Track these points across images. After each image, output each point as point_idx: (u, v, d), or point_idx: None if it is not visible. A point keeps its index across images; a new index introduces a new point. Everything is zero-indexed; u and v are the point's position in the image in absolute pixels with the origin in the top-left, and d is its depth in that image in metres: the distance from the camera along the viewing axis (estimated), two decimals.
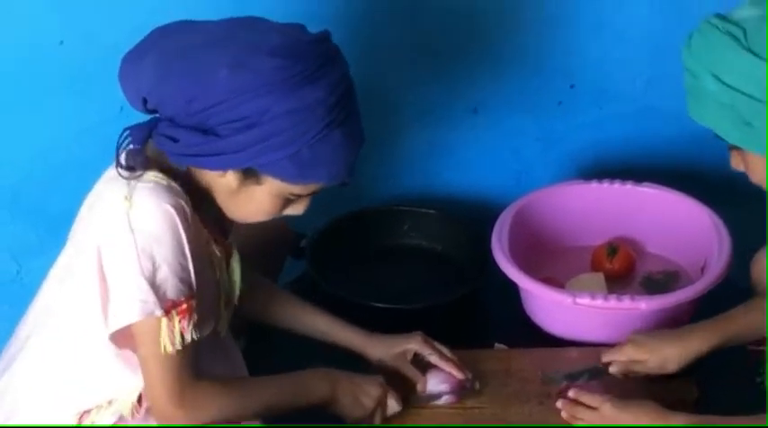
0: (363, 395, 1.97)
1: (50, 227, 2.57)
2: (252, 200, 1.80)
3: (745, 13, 1.68)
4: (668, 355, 2.02)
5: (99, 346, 1.79)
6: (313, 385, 1.93)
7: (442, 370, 2.08)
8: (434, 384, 2.06)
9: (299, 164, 1.72)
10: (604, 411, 1.92)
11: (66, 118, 2.46)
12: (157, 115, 1.78)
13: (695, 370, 2.04)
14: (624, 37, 2.51)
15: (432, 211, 2.57)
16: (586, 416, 1.95)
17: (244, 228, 1.98)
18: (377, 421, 1.99)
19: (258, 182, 1.77)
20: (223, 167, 1.74)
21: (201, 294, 1.79)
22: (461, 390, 2.07)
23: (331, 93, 1.70)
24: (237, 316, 2.01)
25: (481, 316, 2.39)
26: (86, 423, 1.83)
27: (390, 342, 2.10)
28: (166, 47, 1.73)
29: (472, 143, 2.64)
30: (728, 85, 1.65)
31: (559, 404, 2.00)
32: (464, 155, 2.66)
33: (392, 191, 2.68)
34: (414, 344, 2.10)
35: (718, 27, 1.67)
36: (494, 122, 2.62)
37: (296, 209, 1.85)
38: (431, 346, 2.10)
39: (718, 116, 1.70)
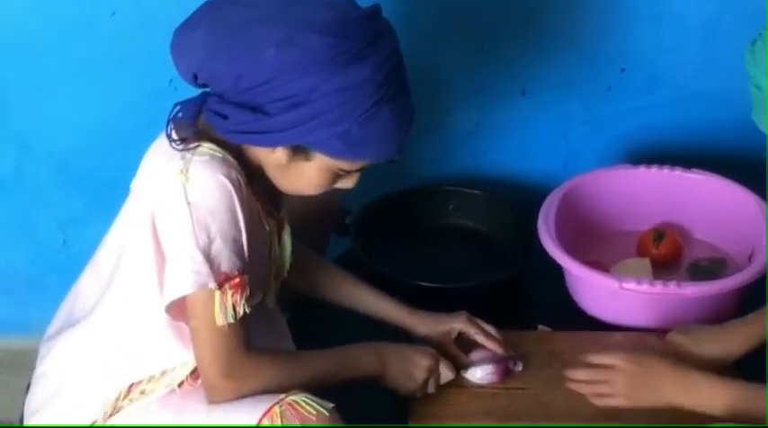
0: (414, 367, 1.97)
1: (97, 198, 2.59)
2: (302, 175, 1.81)
3: None
4: (710, 357, 2.01)
5: (154, 318, 1.81)
6: (361, 359, 1.93)
7: (485, 351, 2.08)
8: (478, 364, 2.06)
9: (347, 142, 1.72)
10: (620, 365, 1.91)
11: (116, 89, 2.47)
12: (207, 90, 1.78)
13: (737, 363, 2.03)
14: (679, 23, 2.49)
15: (478, 192, 2.57)
16: (603, 377, 1.93)
17: (292, 203, 1.98)
18: (431, 391, 2.00)
19: (307, 158, 1.78)
20: (272, 144, 1.75)
21: (253, 266, 1.80)
22: (505, 371, 2.07)
23: (379, 70, 1.70)
24: (285, 288, 2.02)
25: (525, 298, 2.39)
26: (135, 392, 1.85)
27: (436, 319, 2.10)
28: (217, 21, 1.74)
29: (520, 125, 2.64)
30: None
31: (572, 385, 1.98)
32: (512, 136, 2.65)
33: (438, 170, 2.67)
34: (459, 323, 2.10)
35: None
36: (542, 105, 2.61)
37: (346, 183, 1.85)
38: (476, 325, 2.10)
39: None
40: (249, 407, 1.77)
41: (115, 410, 1.85)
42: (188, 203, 1.72)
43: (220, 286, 1.73)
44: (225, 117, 1.73)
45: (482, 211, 2.55)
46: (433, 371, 1.99)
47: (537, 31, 2.51)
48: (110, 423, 1.85)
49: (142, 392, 1.85)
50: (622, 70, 2.56)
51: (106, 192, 2.56)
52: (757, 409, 1.78)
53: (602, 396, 1.94)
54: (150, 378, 1.85)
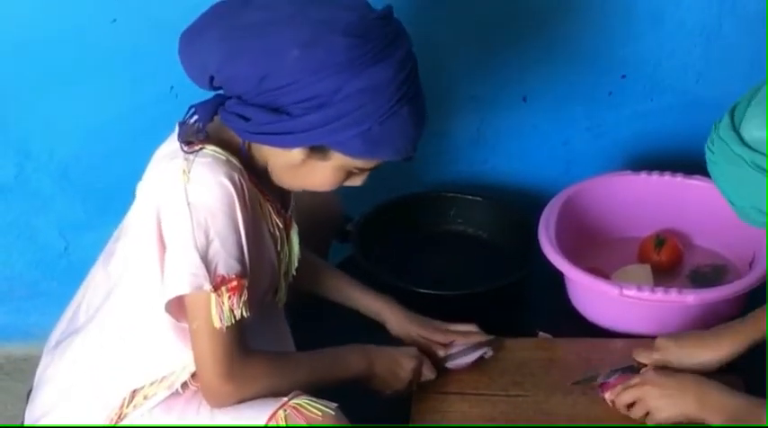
0: (399, 368, 1.99)
1: (99, 204, 2.60)
2: (314, 174, 1.82)
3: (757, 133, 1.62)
4: (698, 362, 2.01)
5: (159, 319, 1.81)
6: (351, 360, 1.95)
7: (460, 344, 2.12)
8: (454, 357, 2.11)
9: (368, 142, 1.74)
10: (648, 376, 1.94)
11: (117, 96, 2.47)
12: (221, 92, 1.78)
13: (739, 365, 2.02)
14: (680, 29, 2.49)
15: (478, 198, 2.56)
16: (630, 393, 1.95)
17: (296, 207, 2.00)
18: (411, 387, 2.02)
19: (324, 157, 1.79)
20: (293, 145, 1.76)
21: (262, 265, 1.82)
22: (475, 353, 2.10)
23: (400, 70, 1.73)
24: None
25: (525, 305, 2.38)
26: (138, 397, 1.85)
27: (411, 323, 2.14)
28: (232, 24, 1.74)
29: (521, 131, 2.64)
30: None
31: (607, 395, 2.00)
32: (513, 142, 2.65)
33: (439, 176, 2.67)
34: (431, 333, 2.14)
35: (744, 159, 1.62)
36: (543, 111, 2.61)
37: (355, 181, 1.87)
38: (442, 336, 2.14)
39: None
40: (253, 412, 1.78)
41: (120, 417, 1.86)
42: (188, 204, 1.73)
43: (216, 288, 1.74)
44: (247, 119, 1.73)
45: (483, 218, 2.54)
46: (417, 372, 2.02)
47: (538, 38, 2.51)
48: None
49: (145, 397, 1.86)
50: (623, 76, 2.56)
51: (107, 199, 2.57)
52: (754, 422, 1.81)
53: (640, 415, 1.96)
54: (153, 383, 1.85)
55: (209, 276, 1.73)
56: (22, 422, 2.02)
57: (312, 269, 2.16)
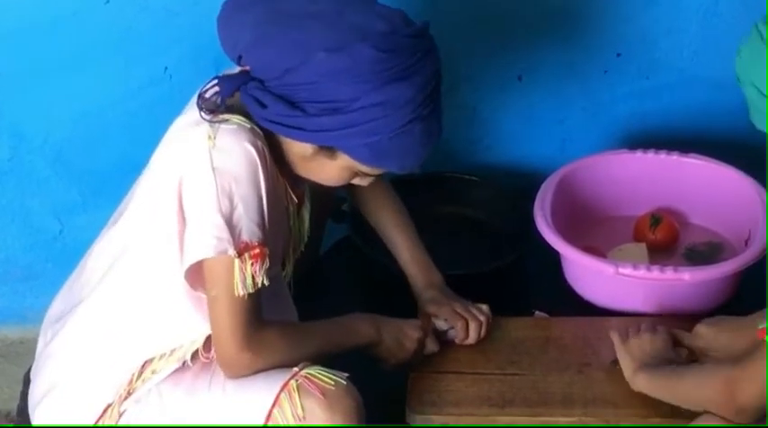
0: (405, 338, 2.01)
1: (94, 187, 2.59)
2: (322, 170, 1.86)
3: None
4: (737, 349, 1.99)
5: (172, 287, 1.82)
6: (360, 327, 1.96)
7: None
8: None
9: (376, 152, 1.77)
10: (658, 331, 2.01)
11: (111, 78, 2.47)
12: (248, 69, 1.79)
13: None
14: (676, 6, 2.48)
15: (474, 178, 2.56)
16: (640, 338, 2.00)
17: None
18: (413, 359, 2.03)
19: (332, 157, 1.82)
20: (303, 141, 1.79)
21: (275, 237, 1.83)
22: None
23: (421, 90, 1.75)
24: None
25: (522, 284, 2.38)
26: (147, 372, 1.86)
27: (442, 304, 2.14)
28: (274, 7, 1.77)
29: (516, 110, 2.63)
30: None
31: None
32: (508, 122, 2.65)
33: (434, 156, 2.65)
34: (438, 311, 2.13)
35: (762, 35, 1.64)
36: (539, 90, 2.60)
37: (362, 182, 1.91)
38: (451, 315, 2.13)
39: None
40: (265, 383, 1.78)
41: (129, 392, 1.86)
42: (213, 169, 1.74)
43: (240, 254, 1.74)
44: (263, 106, 1.75)
45: (478, 197, 2.54)
46: (421, 343, 2.03)
47: (533, 16, 2.51)
48: (124, 406, 1.86)
49: (153, 371, 1.86)
50: (619, 55, 2.56)
51: (102, 181, 2.57)
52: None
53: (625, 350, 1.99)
54: (162, 356, 1.86)
55: (234, 241, 1.74)
56: (19, 402, 2.02)
57: (382, 208, 2.20)
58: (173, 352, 1.86)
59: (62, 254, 2.63)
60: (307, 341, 1.88)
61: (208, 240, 1.73)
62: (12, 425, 2.04)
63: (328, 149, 1.81)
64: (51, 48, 2.42)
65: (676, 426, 1.88)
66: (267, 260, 1.77)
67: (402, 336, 2.00)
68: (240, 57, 1.78)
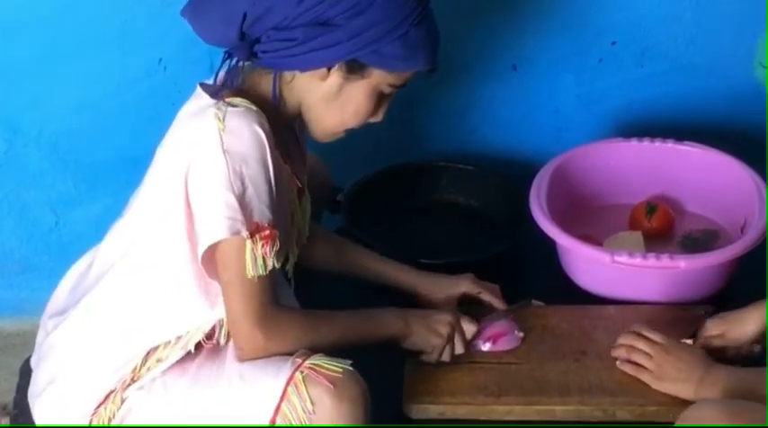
0: (437, 323, 2.00)
1: (89, 180, 2.59)
2: (349, 102, 1.87)
3: None
4: (747, 338, 2.00)
5: (179, 274, 1.82)
6: (386, 320, 1.96)
7: (490, 322, 2.10)
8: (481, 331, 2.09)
9: (407, 46, 1.81)
10: (671, 343, 1.97)
11: (106, 69, 2.47)
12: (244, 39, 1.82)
13: None
14: None
15: (470, 167, 2.56)
16: (647, 350, 1.97)
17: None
18: (458, 346, 2.02)
19: (363, 75, 1.84)
20: (343, 57, 1.82)
21: (280, 224, 1.83)
22: (507, 338, 2.08)
23: None
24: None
25: (518, 273, 2.38)
26: (152, 360, 1.86)
27: (442, 283, 2.15)
28: None
29: (511, 99, 2.63)
30: None
31: (615, 350, 2.02)
32: (503, 111, 2.64)
33: (430, 146, 2.67)
34: (464, 287, 2.14)
35: None
36: (533, 79, 2.60)
37: (377, 116, 1.91)
38: (480, 286, 2.14)
39: None
40: (270, 378, 1.77)
41: (133, 379, 1.86)
42: (224, 151, 1.75)
43: (252, 235, 1.75)
44: (293, 40, 1.78)
45: (474, 187, 2.54)
46: (455, 327, 2.01)
47: (527, 5, 2.50)
48: (126, 393, 1.86)
49: (158, 360, 1.86)
50: (613, 43, 2.56)
51: (98, 174, 2.57)
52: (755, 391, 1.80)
53: (636, 366, 1.97)
54: (167, 344, 1.86)
55: (246, 222, 1.75)
56: (16, 395, 2.02)
57: (326, 243, 2.18)
58: (178, 339, 1.86)
59: (58, 247, 2.63)
60: (326, 328, 1.88)
61: (221, 220, 1.75)
62: (12, 425, 2.04)
63: (359, 70, 1.83)
64: (46, 40, 2.42)
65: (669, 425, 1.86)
66: (277, 242, 1.78)
67: (433, 323, 1.99)
68: (244, 17, 1.78)
